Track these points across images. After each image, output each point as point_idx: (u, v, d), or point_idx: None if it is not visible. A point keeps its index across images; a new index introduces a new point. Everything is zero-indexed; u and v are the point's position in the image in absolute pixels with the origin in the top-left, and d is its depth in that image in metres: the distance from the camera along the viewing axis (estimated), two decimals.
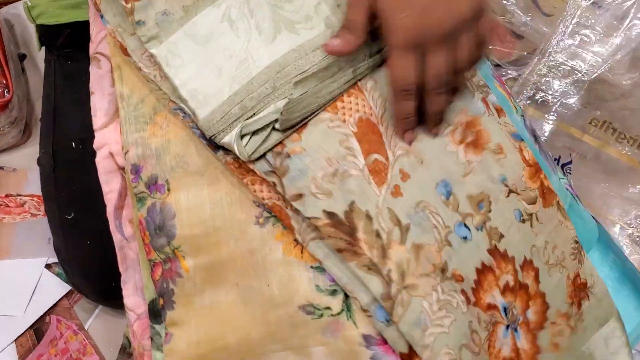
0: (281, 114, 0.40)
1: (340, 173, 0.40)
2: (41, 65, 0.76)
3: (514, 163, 0.47)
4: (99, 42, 0.50)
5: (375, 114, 0.43)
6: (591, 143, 0.74)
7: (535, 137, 0.54)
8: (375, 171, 0.41)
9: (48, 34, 0.64)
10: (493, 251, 0.43)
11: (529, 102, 0.78)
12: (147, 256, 0.43)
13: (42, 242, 0.71)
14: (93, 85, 0.49)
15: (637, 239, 0.70)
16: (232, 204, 0.42)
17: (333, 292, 0.40)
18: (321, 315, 0.40)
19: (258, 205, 0.42)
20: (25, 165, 0.77)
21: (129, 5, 0.43)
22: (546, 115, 0.76)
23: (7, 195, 0.73)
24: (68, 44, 0.63)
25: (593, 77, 0.76)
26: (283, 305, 0.40)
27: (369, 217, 0.40)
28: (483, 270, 0.42)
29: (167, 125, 0.44)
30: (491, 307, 0.42)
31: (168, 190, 0.43)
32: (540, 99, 0.77)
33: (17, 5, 0.92)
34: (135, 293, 0.46)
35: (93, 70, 0.50)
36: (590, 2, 0.81)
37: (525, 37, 0.86)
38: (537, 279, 0.45)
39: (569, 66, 0.77)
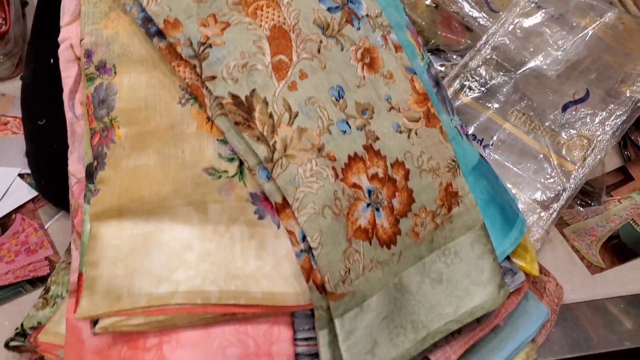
0: None
1: (249, 66, 0.50)
2: None
3: (401, 89, 0.56)
4: None
5: (289, 23, 0.53)
6: (511, 130, 0.83)
7: (438, 83, 0.64)
8: (278, 69, 0.51)
9: None
10: (367, 147, 0.53)
11: (459, 87, 0.87)
12: (89, 125, 0.53)
13: (18, 156, 0.79)
14: None
15: (540, 213, 0.78)
16: (162, 87, 0.52)
17: (231, 160, 0.50)
18: (219, 177, 0.49)
19: (182, 90, 0.51)
20: (13, 93, 0.86)
21: None
22: (475, 101, 0.86)
23: None
24: None
25: (519, 72, 0.85)
26: (191, 168, 0.50)
27: (265, 102, 0.49)
28: (355, 158, 0.51)
29: (117, 21, 0.53)
30: (356, 186, 0.51)
31: (115, 73, 0.53)
32: (473, 87, 0.86)
33: None
34: (78, 162, 0.55)
35: None
36: (534, 3, 0.90)
37: (474, 30, 0.96)
38: (406, 177, 0.54)
39: (500, 60, 0.87)
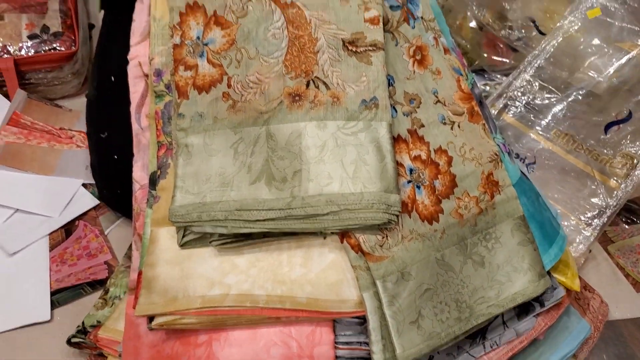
0: (210, 241, 0.53)
1: None
2: None
3: (448, 85, 0.60)
4: None
5: None
6: (554, 149, 0.84)
7: (481, 102, 0.66)
8: None
9: None
10: (412, 132, 0.56)
11: (503, 106, 0.88)
12: (157, 138, 0.57)
13: (81, 168, 0.85)
14: (135, 15, 0.64)
15: (583, 230, 0.79)
16: None
17: None
18: None
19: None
20: (79, 109, 0.93)
21: (179, 100, 0.56)
22: (519, 121, 0.87)
23: (60, 128, 0.89)
24: (120, 3, 0.79)
25: (562, 93, 0.86)
26: None
27: None
28: (398, 140, 0.55)
29: None
30: (398, 163, 0.54)
31: None
32: (517, 107, 0.88)
33: None
34: (142, 169, 0.59)
35: (137, 5, 0.65)
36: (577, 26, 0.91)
37: (520, 51, 0.97)
38: (449, 163, 0.57)
39: (544, 81, 0.88)
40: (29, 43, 0.89)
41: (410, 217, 0.55)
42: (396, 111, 0.57)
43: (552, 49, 0.88)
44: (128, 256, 0.73)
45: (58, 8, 0.94)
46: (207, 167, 0.54)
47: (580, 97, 0.84)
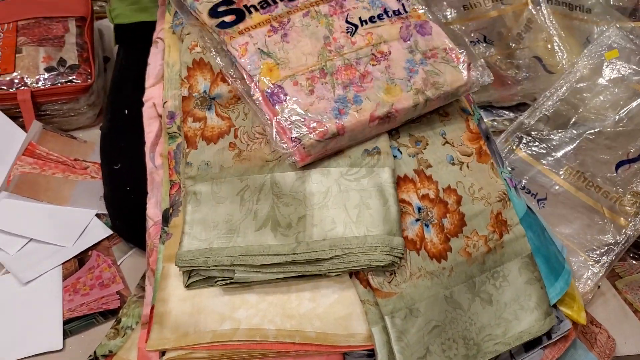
0: (216, 281, 0.54)
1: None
2: None
3: (456, 127, 0.62)
4: (159, 31, 0.68)
5: None
6: (564, 185, 0.85)
7: (488, 137, 0.68)
8: None
9: (121, 31, 0.83)
10: (419, 171, 0.58)
11: (516, 143, 0.90)
12: (169, 177, 0.59)
13: (95, 199, 0.86)
14: (150, 58, 0.66)
15: (591, 266, 0.79)
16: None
17: None
18: None
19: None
20: (94, 140, 0.94)
21: (187, 150, 0.58)
22: (530, 156, 0.88)
23: (75, 159, 0.90)
24: (134, 38, 0.82)
25: (574, 131, 0.88)
26: None
27: None
28: (405, 179, 0.56)
29: None
30: (405, 202, 0.55)
31: None
32: (529, 143, 0.89)
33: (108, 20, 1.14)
34: (155, 206, 0.61)
35: (152, 49, 0.67)
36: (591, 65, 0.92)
37: (526, 88, 0.98)
38: (458, 202, 0.58)
39: (556, 119, 0.89)
40: (46, 75, 0.91)
41: (418, 255, 0.56)
42: (401, 153, 0.59)
43: (566, 88, 0.89)
44: (140, 286, 0.74)
45: (75, 41, 0.96)
46: (214, 214, 0.55)
47: (591, 136, 0.86)
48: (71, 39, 0.97)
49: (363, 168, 0.56)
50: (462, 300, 0.57)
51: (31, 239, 0.81)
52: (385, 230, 0.53)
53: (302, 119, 0.54)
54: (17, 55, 0.93)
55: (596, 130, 0.86)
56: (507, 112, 0.96)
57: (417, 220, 0.57)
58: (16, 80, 0.90)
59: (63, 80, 0.91)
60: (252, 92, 0.56)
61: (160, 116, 0.63)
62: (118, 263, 0.81)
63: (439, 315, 0.55)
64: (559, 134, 0.87)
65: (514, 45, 0.94)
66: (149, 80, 0.64)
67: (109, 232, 0.83)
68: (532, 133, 0.88)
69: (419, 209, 0.57)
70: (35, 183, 0.86)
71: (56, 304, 0.74)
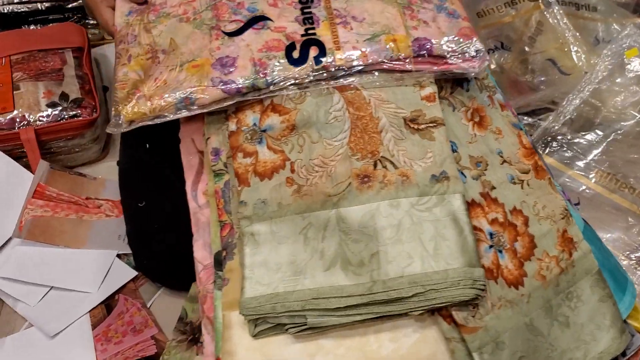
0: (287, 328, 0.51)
1: None
2: None
3: (510, 143, 0.60)
4: None
5: None
6: (596, 189, 0.84)
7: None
8: None
9: None
10: (484, 194, 0.56)
11: (542, 148, 0.89)
12: (219, 218, 0.56)
13: (113, 238, 0.82)
14: None
15: (632, 268, 0.79)
16: None
17: None
18: None
19: None
20: (102, 175, 0.90)
21: (239, 188, 0.55)
22: (558, 162, 0.88)
23: (87, 198, 0.86)
24: None
25: (601, 133, 0.87)
26: None
27: None
28: (472, 204, 0.54)
29: None
30: (476, 228, 0.53)
31: None
32: (556, 148, 0.88)
33: (103, 47, 1.09)
34: (203, 249, 0.58)
35: None
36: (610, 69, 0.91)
37: (547, 94, 0.97)
38: (526, 223, 0.56)
39: (583, 122, 0.88)
40: (49, 111, 0.87)
41: (497, 284, 0.54)
42: (465, 176, 0.57)
43: (590, 90, 0.89)
44: (179, 330, 0.70)
45: (74, 74, 0.92)
46: (276, 255, 0.52)
47: (618, 136, 0.85)
48: (70, 72, 0.92)
49: (433, 197, 0.54)
50: (542, 327, 0.55)
51: (52, 287, 0.76)
52: (465, 262, 0.51)
53: None
54: (15, 92, 0.88)
55: (621, 130, 0.85)
56: (525, 118, 0.95)
57: (491, 246, 0.55)
58: (17, 119, 0.86)
59: (67, 116, 0.87)
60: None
61: (200, 152, 0.60)
62: (148, 305, 0.77)
63: (522, 345, 0.53)
64: (585, 137, 0.86)
65: (528, 49, 0.94)
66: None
67: (134, 273, 0.79)
68: (558, 137, 0.87)
69: (491, 234, 0.55)
70: (48, 227, 0.81)
71: (89, 356, 0.70)
